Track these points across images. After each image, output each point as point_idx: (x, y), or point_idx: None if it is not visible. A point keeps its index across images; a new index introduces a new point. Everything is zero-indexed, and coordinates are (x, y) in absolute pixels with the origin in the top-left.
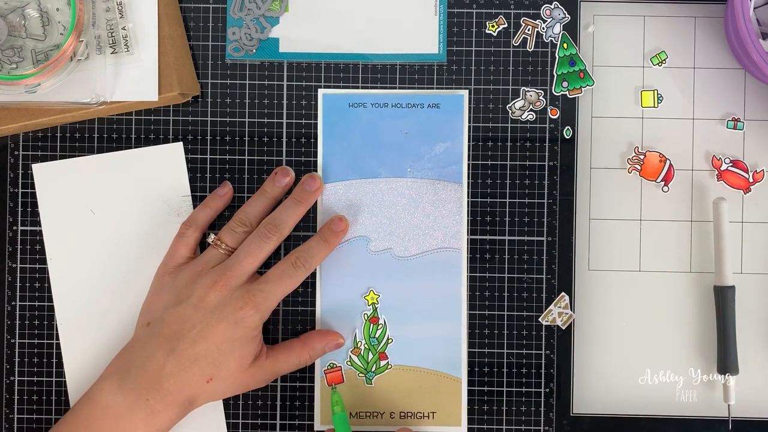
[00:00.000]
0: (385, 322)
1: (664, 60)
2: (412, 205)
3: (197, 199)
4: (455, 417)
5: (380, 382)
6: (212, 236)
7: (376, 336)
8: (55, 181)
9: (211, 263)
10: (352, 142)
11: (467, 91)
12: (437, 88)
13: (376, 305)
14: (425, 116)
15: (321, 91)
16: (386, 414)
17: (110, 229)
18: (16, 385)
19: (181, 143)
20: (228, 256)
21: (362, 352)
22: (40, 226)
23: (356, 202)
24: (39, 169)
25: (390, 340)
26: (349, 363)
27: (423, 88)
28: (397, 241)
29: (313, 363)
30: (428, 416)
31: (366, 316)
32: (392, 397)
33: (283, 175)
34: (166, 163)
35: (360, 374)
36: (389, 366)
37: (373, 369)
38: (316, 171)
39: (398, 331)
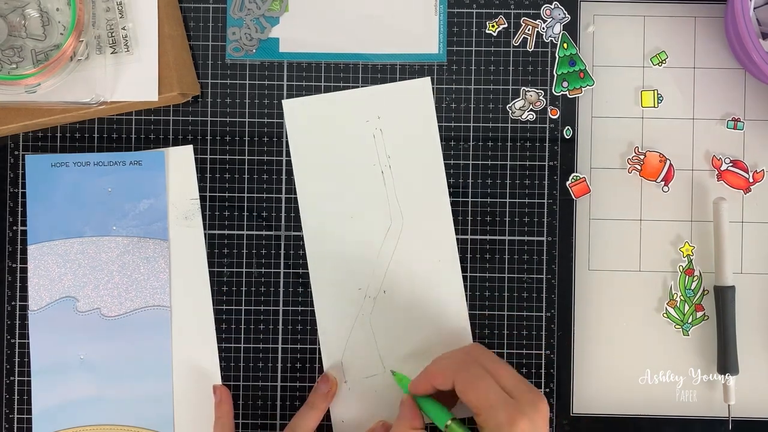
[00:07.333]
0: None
1: (664, 60)
2: (118, 263)
3: (200, 199)
4: None
5: None
6: None
7: None
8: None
9: None
10: (56, 202)
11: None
12: (437, 87)
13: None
14: (127, 173)
15: (28, 156)
16: None
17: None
18: (16, 385)
19: (191, 146)
20: None
21: None
22: None
23: (62, 262)
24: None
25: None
26: None
27: None
28: (104, 300)
29: (317, 362)
30: None
31: None
32: None
33: (323, 382)
34: (175, 166)
35: None
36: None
37: None
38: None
39: (107, 391)
